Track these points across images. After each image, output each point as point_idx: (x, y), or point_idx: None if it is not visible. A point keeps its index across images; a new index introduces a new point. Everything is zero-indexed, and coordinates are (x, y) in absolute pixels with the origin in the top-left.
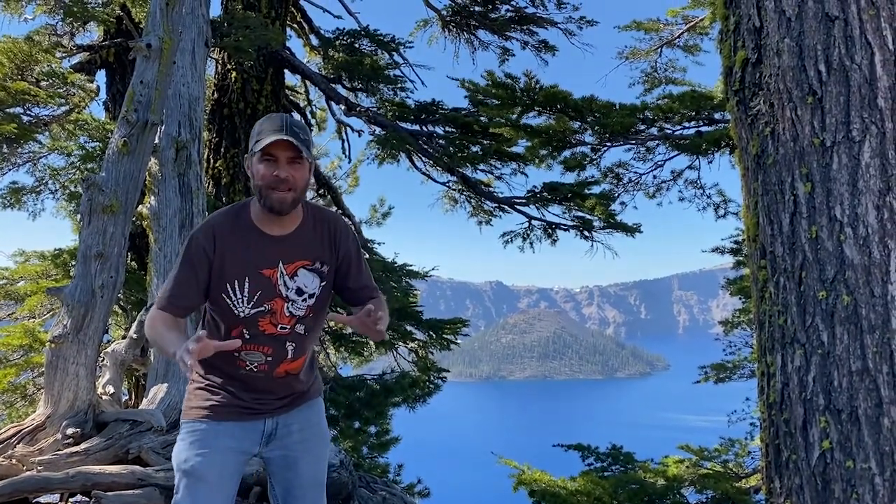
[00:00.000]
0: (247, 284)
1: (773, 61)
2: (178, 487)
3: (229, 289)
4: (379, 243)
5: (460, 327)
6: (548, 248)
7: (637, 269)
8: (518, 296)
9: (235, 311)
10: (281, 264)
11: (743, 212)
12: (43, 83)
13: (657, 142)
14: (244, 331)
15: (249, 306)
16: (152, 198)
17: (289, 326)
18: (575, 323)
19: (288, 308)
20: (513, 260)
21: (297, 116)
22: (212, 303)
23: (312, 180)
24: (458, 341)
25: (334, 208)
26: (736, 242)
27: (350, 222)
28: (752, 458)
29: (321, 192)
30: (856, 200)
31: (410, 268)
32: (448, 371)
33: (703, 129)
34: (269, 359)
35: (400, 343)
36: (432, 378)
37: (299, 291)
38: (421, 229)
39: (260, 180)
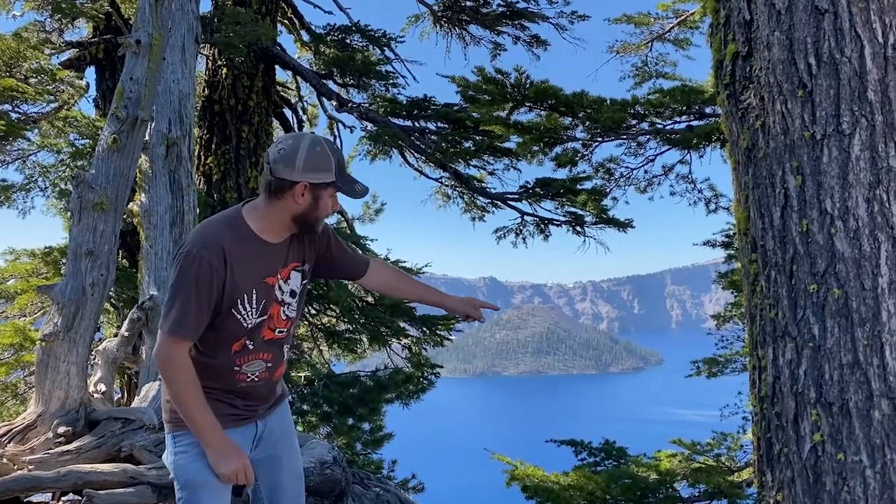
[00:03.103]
0: (255, 295)
1: (763, 55)
2: (192, 500)
3: (240, 303)
4: (371, 240)
5: (454, 323)
6: (541, 243)
7: (630, 265)
8: (512, 291)
9: (245, 324)
10: (279, 270)
11: (734, 206)
12: (32, 80)
13: (648, 136)
14: (247, 341)
15: (256, 316)
16: (143, 195)
17: (285, 330)
18: (568, 318)
19: (284, 311)
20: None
21: (287, 113)
22: (221, 319)
23: None
24: (452, 337)
25: None
26: (727, 236)
27: (342, 218)
28: (745, 451)
29: None
30: (846, 193)
31: (403, 264)
32: (442, 367)
33: (694, 123)
34: (269, 364)
35: (393, 339)
36: (426, 374)
37: (292, 293)
38: (414, 225)
39: (323, 212)
